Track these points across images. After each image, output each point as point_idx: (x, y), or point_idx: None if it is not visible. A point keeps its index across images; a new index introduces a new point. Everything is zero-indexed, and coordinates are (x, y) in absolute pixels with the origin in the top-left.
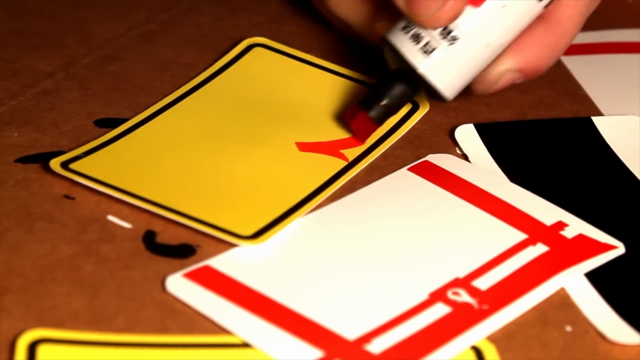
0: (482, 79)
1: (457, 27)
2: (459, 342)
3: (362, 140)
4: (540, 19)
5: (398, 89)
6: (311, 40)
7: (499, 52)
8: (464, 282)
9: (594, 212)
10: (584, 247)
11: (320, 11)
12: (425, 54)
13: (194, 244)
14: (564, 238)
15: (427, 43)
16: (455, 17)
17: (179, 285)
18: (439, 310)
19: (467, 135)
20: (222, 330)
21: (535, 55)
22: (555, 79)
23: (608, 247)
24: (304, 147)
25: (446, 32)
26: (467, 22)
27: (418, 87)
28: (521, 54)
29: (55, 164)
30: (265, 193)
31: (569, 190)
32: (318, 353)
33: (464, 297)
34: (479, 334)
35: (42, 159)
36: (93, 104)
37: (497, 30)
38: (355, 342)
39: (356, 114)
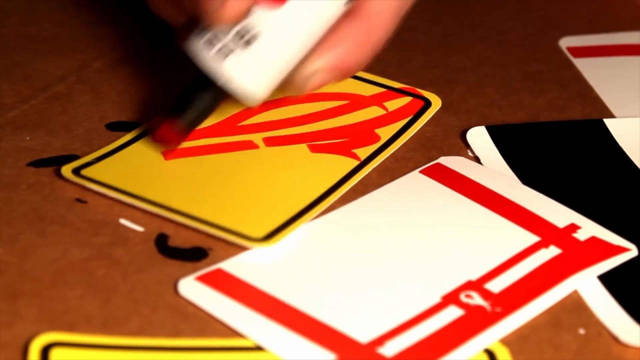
0: (292, 80)
1: (252, 28)
2: (472, 345)
3: (171, 149)
4: (349, 14)
5: (203, 96)
6: None
7: (304, 51)
8: (477, 285)
9: (606, 214)
10: (597, 250)
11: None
12: (221, 58)
13: (206, 247)
14: (576, 240)
15: (222, 47)
16: (240, 15)
17: (192, 288)
18: (452, 313)
19: (479, 137)
20: (234, 333)
21: (346, 53)
22: (567, 81)
23: (621, 250)
24: (315, 148)
25: (241, 35)
26: (262, 22)
27: (221, 90)
28: (330, 53)
29: (66, 170)
30: (276, 195)
31: (581, 193)
32: (331, 356)
33: (476, 299)
34: (492, 336)
35: (54, 163)
36: (105, 108)
37: (296, 30)
38: (368, 345)
39: (164, 124)
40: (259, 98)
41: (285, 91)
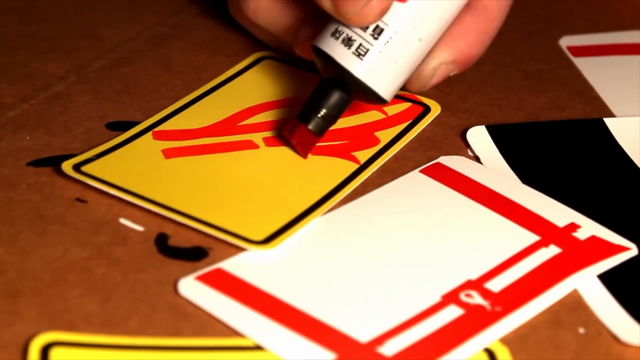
0: (417, 75)
1: (388, 25)
2: (471, 344)
3: (305, 155)
4: (467, 7)
5: (334, 97)
6: None
7: (431, 46)
8: (477, 284)
9: (606, 213)
10: (597, 249)
11: (236, 18)
12: (358, 57)
13: (206, 247)
14: (576, 240)
15: (359, 46)
16: (383, 13)
17: (191, 288)
18: (452, 312)
19: (479, 137)
20: (234, 332)
21: (468, 45)
22: (567, 80)
23: (621, 249)
24: (315, 150)
25: (377, 32)
26: (397, 19)
27: (355, 90)
28: (453, 45)
29: (67, 166)
30: (277, 197)
31: (581, 192)
32: (330, 355)
33: (476, 299)
34: (492, 336)
35: (54, 162)
36: (105, 107)
37: (428, 24)
38: (368, 345)
39: (295, 129)
40: (391, 96)
41: (410, 85)
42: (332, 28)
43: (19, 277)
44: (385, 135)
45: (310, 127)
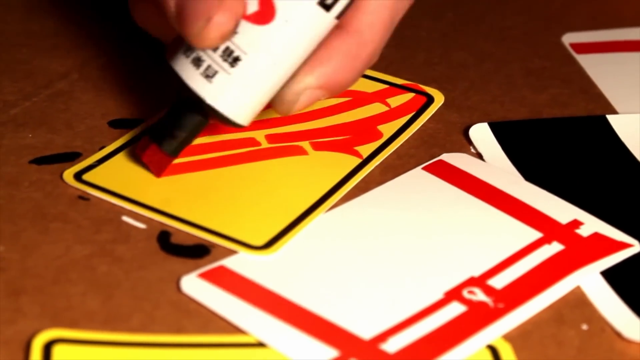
0: (280, 99)
1: (238, 47)
2: (474, 341)
3: (158, 174)
4: (339, 28)
5: (188, 119)
6: None
7: (293, 69)
8: (480, 281)
9: (609, 210)
10: (600, 246)
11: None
12: (207, 79)
13: (208, 244)
14: (579, 236)
15: (208, 67)
16: (224, 37)
17: (194, 285)
18: (455, 309)
19: (481, 134)
20: (236, 330)
21: (335, 69)
22: (570, 77)
23: (624, 245)
24: (317, 145)
25: (227, 54)
26: (247, 42)
27: (207, 111)
28: (319, 69)
29: (68, 175)
30: (277, 197)
31: (584, 189)
32: (333, 352)
33: (479, 296)
34: (495, 332)
35: (57, 160)
36: (107, 105)
37: (283, 48)
38: (371, 342)
39: (146, 148)
40: (246, 120)
41: (273, 109)
42: (184, 46)
43: (22, 274)
44: (388, 129)
45: (163, 148)
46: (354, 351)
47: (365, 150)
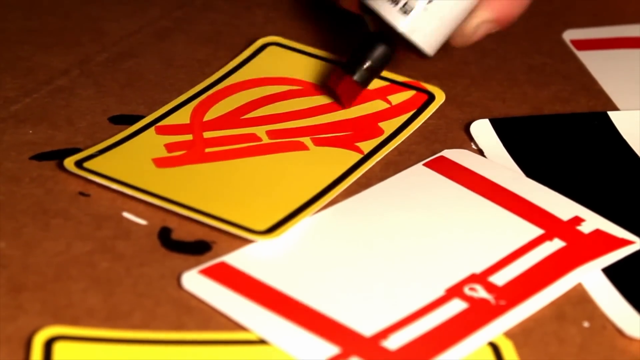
0: (460, 32)
1: None
2: (476, 338)
3: (348, 104)
4: None
5: (379, 50)
6: (327, 36)
7: (474, 4)
8: (481, 278)
9: (610, 207)
10: (601, 243)
11: None
12: (404, 14)
13: (209, 241)
14: (580, 233)
15: (405, 3)
16: None
17: (195, 281)
18: (456, 306)
19: (482, 130)
20: (238, 326)
21: (507, 4)
22: (571, 74)
23: (625, 243)
24: (318, 141)
25: None
26: None
27: (400, 45)
28: (494, 4)
29: (69, 162)
30: (279, 188)
31: (585, 185)
32: (334, 349)
33: (480, 292)
34: (496, 329)
35: (57, 156)
36: (108, 101)
37: None
38: (372, 339)
39: (340, 79)
40: (435, 50)
41: (453, 40)
42: None
43: (22, 271)
44: (389, 126)
45: (355, 77)
46: (355, 348)
47: (367, 146)
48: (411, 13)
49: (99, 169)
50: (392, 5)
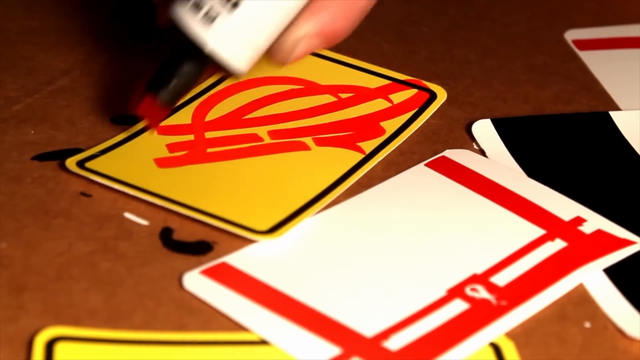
0: (278, 47)
1: None
2: (477, 338)
3: (153, 126)
4: None
5: (185, 67)
6: None
7: (292, 15)
8: (482, 278)
9: (612, 207)
10: (603, 243)
11: None
12: (207, 24)
13: (210, 241)
14: (582, 233)
15: (208, 11)
16: None
17: (196, 282)
18: (457, 306)
19: (484, 130)
20: (239, 327)
21: (333, 18)
22: (573, 74)
23: (627, 243)
24: (320, 141)
25: None
26: None
27: (205, 58)
28: (317, 17)
29: (71, 163)
30: (281, 188)
31: (587, 186)
32: (336, 350)
33: (482, 293)
34: (498, 330)
35: (59, 157)
36: (109, 101)
37: None
38: (373, 339)
39: (142, 100)
40: (245, 65)
41: (271, 59)
42: None
43: (24, 271)
44: (390, 125)
45: (159, 96)
46: (357, 349)
47: (368, 146)
48: (214, 23)
49: (100, 169)
50: (194, 13)
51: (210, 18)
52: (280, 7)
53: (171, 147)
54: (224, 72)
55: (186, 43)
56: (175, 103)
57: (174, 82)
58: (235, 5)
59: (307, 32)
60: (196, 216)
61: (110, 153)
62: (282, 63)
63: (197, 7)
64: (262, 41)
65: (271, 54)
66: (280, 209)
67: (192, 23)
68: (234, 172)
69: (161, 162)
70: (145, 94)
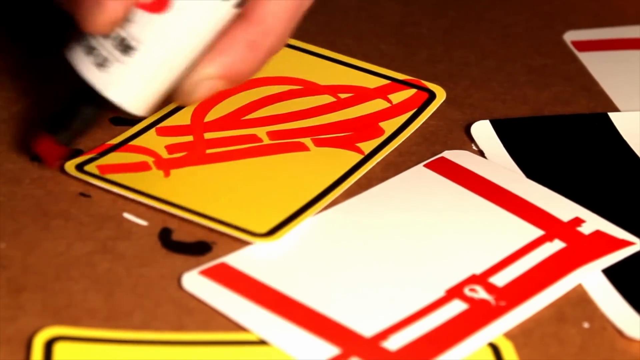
0: (180, 89)
1: (132, 36)
2: (476, 338)
3: (52, 164)
4: (241, 17)
5: (83, 109)
6: (328, 34)
7: (191, 58)
8: (481, 279)
9: (611, 208)
10: (601, 244)
11: None
12: (100, 68)
13: (209, 241)
14: (581, 234)
15: (101, 56)
16: (116, 21)
17: (195, 282)
18: (456, 307)
19: (483, 131)
20: (238, 327)
21: (236, 60)
22: (572, 75)
23: (625, 244)
24: (319, 142)
25: (121, 43)
26: (141, 31)
27: (102, 101)
28: (219, 59)
29: (70, 166)
30: (280, 189)
31: (585, 186)
32: (334, 350)
33: (480, 293)
34: (496, 330)
35: None
36: None
37: (179, 37)
38: (372, 339)
39: (41, 140)
40: (142, 110)
41: (174, 99)
42: (78, 35)
43: (23, 272)
44: (389, 126)
45: (57, 138)
46: (356, 349)
47: (367, 146)
48: (107, 67)
49: (99, 172)
50: (88, 56)
51: (104, 64)
52: (176, 54)
53: (170, 149)
54: (123, 113)
55: (83, 86)
56: (72, 143)
57: (71, 123)
58: (129, 51)
59: (209, 74)
60: (195, 219)
61: (109, 155)
62: (185, 104)
63: (91, 51)
64: (159, 86)
65: (173, 94)
66: (278, 210)
67: (87, 68)
68: (233, 173)
69: (160, 164)
70: (43, 135)
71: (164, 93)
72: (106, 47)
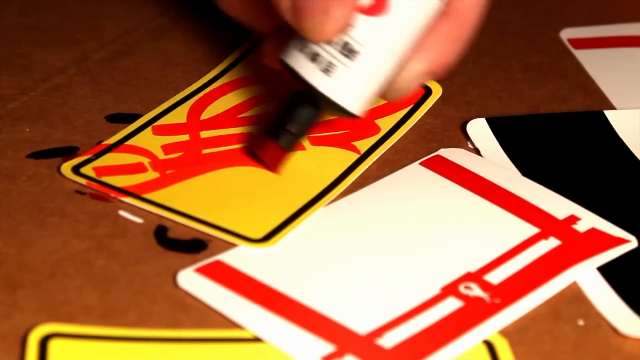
0: (392, 88)
1: (356, 41)
2: (470, 336)
3: (274, 170)
4: (442, 13)
5: (304, 113)
6: None
7: (405, 58)
8: (476, 276)
9: (606, 205)
10: (597, 241)
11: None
12: (326, 74)
13: (205, 239)
14: (576, 232)
15: (327, 62)
16: (341, 29)
17: (191, 280)
18: (451, 304)
19: (479, 129)
20: (233, 324)
21: (441, 54)
22: (568, 72)
23: (621, 241)
24: (315, 140)
25: (346, 48)
26: (364, 34)
27: (324, 106)
28: (428, 55)
29: (66, 168)
30: (276, 191)
31: (581, 184)
32: (329, 347)
33: (475, 291)
34: (491, 328)
35: (54, 155)
36: (105, 99)
37: (399, 38)
38: (367, 337)
39: (265, 145)
40: (362, 110)
41: (384, 97)
42: (298, 41)
43: (18, 268)
44: (385, 123)
45: (280, 143)
46: (350, 346)
47: (363, 145)
48: (334, 73)
49: (95, 175)
50: (313, 64)
51: (329, 69)
52: (397, 54)
53: (166, 149)
54: (340, 116)
55: (304, 89)
56: (294, 147)
57: (293, 128)
58: (353, 55)
59: (419, 70)
60: (190, 224)
61: (105, 157)
62: (396, 100)
63: (315, 57)
64: (379, 85)
65: (385, 92)
66: (274, 214)
67: (313, 74)
68: (229, 174)
69: (156, 166)
70: (266, 139)
71: (380, 92)
72: (331, 53)
